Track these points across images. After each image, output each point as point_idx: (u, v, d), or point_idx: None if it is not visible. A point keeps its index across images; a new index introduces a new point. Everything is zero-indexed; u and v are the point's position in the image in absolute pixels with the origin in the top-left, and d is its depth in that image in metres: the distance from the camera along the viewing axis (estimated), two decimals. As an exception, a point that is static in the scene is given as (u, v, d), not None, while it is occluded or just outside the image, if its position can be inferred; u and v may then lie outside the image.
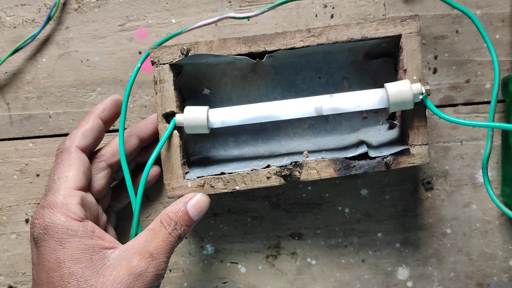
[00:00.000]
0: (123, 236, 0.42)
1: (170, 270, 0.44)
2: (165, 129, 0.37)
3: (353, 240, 0.43)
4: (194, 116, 0.36)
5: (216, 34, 0.43)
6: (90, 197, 0.36)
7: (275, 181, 0.37)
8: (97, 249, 0.33)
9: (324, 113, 0.36)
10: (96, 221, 0.37)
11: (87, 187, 0.36)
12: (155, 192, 0.44)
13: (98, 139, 0.38)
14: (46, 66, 0.43)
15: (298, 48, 0.37)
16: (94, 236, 0.33)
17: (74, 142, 0.36)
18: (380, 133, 0.40)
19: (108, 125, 0.39)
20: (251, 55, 0.37)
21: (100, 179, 0.38)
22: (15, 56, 0.43)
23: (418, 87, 0.35)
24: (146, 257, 0.32)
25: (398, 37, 0.36)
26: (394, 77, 0.39)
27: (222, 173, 0.37)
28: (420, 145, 0.36)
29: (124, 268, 0.32)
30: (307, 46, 0.36)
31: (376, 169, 0.36)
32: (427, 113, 0.37)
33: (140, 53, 0.43)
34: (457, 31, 0.42)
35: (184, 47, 0.37)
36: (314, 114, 0.36)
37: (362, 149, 0.37)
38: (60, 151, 0.36)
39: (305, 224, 0.43)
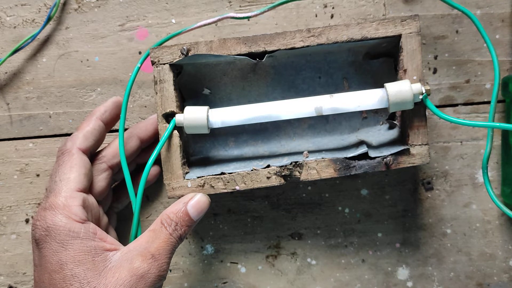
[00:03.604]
0: (123, 236, 0.42)
1: (170, 270, 0.44)
2: (165, 129, 0.37)
3: (353, 240, 0.43)
4: (194, 116, 0.36)
5: (216, 34, 0.43)
6: (91, 199, 0.36)
7: (275, 181, 0.37)
8: (99, 251, 0.33)
9: (324, 113, 0.36)
10: (98, 222, 0.37)
11: (88, 188, 0.36)
12: (155, 192, 0.44)
13: (99, 140, 0.38)
14: (46, 66, 0.43)
15: (298, 48, 0.37)
16: (96, 238, 0.33)
17: (75, 143, 0.36)
18: (380, 133, 0.40)
19: (109, 126, 0.39)
20: (251, 55, 0.37)
21: (101, 180, 0.38)
22: (15, 56, 0.43)
23: (418, 87, 0.35)
24: (148, 258, 0.32)
25: (398, 37, 0.36)
26: (394, 77, 0.39)
27: (222, 173, 0.37)
28: (420, 145, 0.36)
29: (126, 270, 0.32)
30: (307, 46, 0.36)
31: (376, 169, 0.36)
32: (427, 113, 0.37)
33: (140, 53, 0.43)
34: (457, 31, 0.42)
35: (184, 47, 0.37)
36: (314, 114, 0.36)
37: (362, 149, 0.37)
38: (61, 152, 0.36)
39: (305, 224, 0.43)
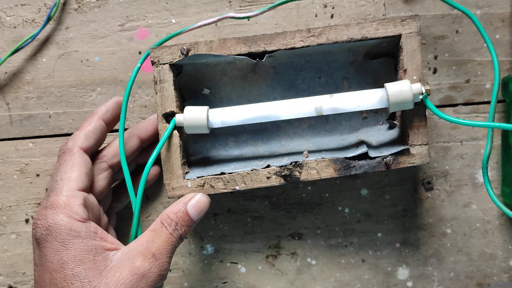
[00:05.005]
0: (123, 235, 0.42)
1: (170, 270, 0.44)
2: (165, 129, 0.37)
3: (353, 240, 0.43)
4: (194, 116, 0.36)
5: (216, 34, 0.43)
6: (92, 198, 0.36)
7: (275, 181, 0.37)
8: (100, 250, 0.33)
9: (324, 113, 0.36)
10: (98, 222, 0.37)
11: (89, 188, 0.36)
12: (155, 192, 0.44)
13: (100, 140, 0.38)
14: (46, 66, 0.43)
15: (298, 48, 0.37)
16: (97, 237, 0.33)
17: (76, 143, 0.36)
18: (380, 133, 0.40)
19: (110, 126, 0.39)
20: (251, 55, 0.37)
21: (101, 180, 0.38)
22: (15, 56, 0.43)
23: (418, 87, 0.35)
24: (149, 257, 0.32)
25: (398, 37, 0.36)
26: (394, 77, 0.39)
27: (222, 173, 0.37)
28: (420, 145, 0.36)
29: (127, 269, 0.32)
30: (307, 46, 0.36)
31: (376, 169, 0.36)
32: (427, 113, 0.37)
33: (140, 53, 0.43)
34: (457, 31, 0.42)
35: (184, 47, 0.37)
36: (314, 114, 0.36)
37: (362, 149, 0.37)
38: (62, 151, 0.36)
39: (305, 224, 0.43)
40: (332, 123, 0.41)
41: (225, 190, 0.37)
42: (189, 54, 0.37)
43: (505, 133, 0.41)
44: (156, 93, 0.37)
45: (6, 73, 0.44)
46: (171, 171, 0.37)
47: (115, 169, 0.39)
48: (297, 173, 0.36)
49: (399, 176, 0.43)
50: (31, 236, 0.34)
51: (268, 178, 0.37)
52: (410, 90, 0.34)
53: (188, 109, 0.36)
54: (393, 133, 0.40)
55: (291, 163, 0.36)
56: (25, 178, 0.44)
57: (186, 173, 0.38)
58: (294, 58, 0.40)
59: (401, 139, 0.39)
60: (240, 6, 0.43)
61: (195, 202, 0.35)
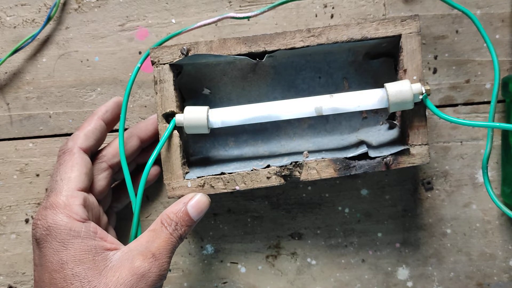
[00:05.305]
0: (123, 235, 0.42)
1: (170, 270, 0.44)
2: (165, 129, 0.37)
3: (353, 240, 0.43)
4: (194, 116, 0.36)
5: (216, 34, 0.43)
6: (92, 198, 0.36)
7: (275, 181, 0.37)
8: (99, 250, 0.33)
9: (324, 113, 0.36)
10: (98, 222, 0.37)
11: (89, 188, 0.36)
12: (155, 192, 0.44)
13: (100, 140, 0.38)
14: (46, 66, 0.43)
15: (298, 48, 0.37)
16: (97, 237, 0.33)
17: (76, 143, 0.36)
18: (380, 133, 0.40)
19: (110, 126, 0.39)
20: (251, 55, 0.37)
21: (101, 180, 0.38)
22: (15, 56, 0.43)
23: (418, 87, 0.35)
24: (148, 257, 0.32)
25: (398, 37, 0.36)
26: (394, 77, 0.39)
27: (222, 173, 0.37)
28: (420, 145, 0.36)
29: (127, 269, 0.32)
30: (307, 46, 0.36)
31: (376, 169, 0.36)
32: (427, 113, 0.37)
33: (140, 53, 0.43)
34: (457, 31, 0.42)
35: (184, 47, 0.37)
36: (314, 114, 0.36)
37: (362, 149, 0.37)
38: (62, 152, 0.36)
39: (305, 224, 0.43)
40: (332, 123, 0.41)
41: (225, 190, 0.37)
42: (189, 54, 0.37)
43: (505, 133, 0.41)
44: (156, 93, 0.37)
45: (6, 73, 0.44)
46: (171, 171, 0.37)
47: (115, 169, 0.39)
48: (297, 173, 0.36)
49: (399, 176, 0.43)
50: (31, 236, 0.34)
51: (268, 178, 0.37)
52: (410, 90, 0.34)
53: (188, 109, 0.36)
54: (393, 133, 0.40)
55: (291, 163, 0.36)
56: (25, 178, 0.44)
57: (186, 173, 0.38)
58: (294, 58, 0.40)
59: (401, 139, 0.39)
60: (240, 6, 0.43)
61: (195, 202, 0.35)
